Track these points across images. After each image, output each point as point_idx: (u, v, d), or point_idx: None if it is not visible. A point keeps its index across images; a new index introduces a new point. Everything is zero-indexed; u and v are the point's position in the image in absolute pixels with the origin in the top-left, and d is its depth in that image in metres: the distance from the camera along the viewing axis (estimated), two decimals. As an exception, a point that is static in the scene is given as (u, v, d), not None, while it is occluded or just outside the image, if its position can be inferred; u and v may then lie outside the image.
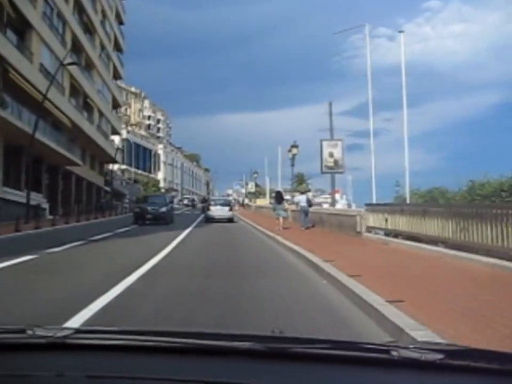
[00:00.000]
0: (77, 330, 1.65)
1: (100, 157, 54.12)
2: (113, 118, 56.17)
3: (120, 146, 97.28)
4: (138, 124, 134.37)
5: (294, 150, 32.57)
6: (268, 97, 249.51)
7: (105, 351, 1.49)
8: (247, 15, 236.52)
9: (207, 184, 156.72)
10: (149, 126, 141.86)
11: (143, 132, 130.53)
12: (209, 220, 33.34)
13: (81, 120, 40.87)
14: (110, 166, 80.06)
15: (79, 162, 40.83)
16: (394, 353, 1.36)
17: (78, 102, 41.28)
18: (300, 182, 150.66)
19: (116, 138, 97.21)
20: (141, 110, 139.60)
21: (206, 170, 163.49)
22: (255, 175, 65.58)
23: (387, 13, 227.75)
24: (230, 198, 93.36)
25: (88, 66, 44.51)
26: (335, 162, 23.84)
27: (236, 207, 63.28)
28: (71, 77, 38.31)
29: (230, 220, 33.73)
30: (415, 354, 1.34)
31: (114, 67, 55.76)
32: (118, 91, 58.70)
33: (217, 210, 34.23)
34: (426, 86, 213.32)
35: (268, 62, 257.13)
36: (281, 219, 24.14)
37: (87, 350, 1.50)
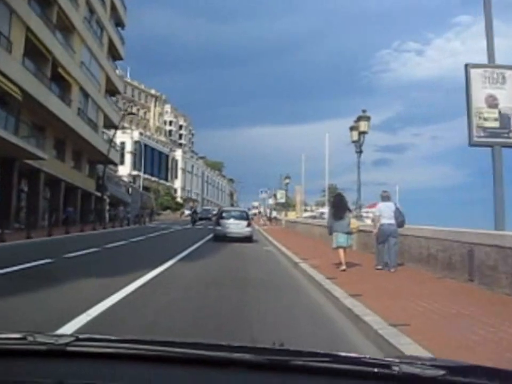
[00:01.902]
0: (78, 338, 1.58)
1: (88, 155, 42.42)
2: (106, 105, 44.37)
3: (131, 149, 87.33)
4: (157, 129, 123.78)
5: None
6: (296, 111, 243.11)
7: (106, 360, 1.49)
8: (276, 28, 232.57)
9: (231, 195, 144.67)
10: (170, 132, 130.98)
11: (163, 138, 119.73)
12: (219, 238, 24.31)
13: (45, 94, 29.09)
14: (118, 169, 68.80)
15: (41, 154, 28.99)
16: (395, 368, 1.35)
17: (42, 70, 29.54)
18: (331, 194, 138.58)
19: (127, 141, 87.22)
20: (161, 115, 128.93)
21: (230, 180, 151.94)
22: (287, 181, 51.98)
23: (416, 28, 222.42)
24: (253, 210, 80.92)
25: (64, 28, 32.86)
26: (502, 117, 11.07)
27: (261, 222, 50.80)
28: (28, 29, 26.65)
29: (248, 239, 24.40)
30: (416, 370, 1.34)
31: (111, 42, 44.18)
32: (115, 74, 47.00)
33: (230, 226, 24.83)
34: (455, 100, 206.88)
35: (296, 75, 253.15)
36: (341, 252, 12.25)
37: (87, 358, 1.50)
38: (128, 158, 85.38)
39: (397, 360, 1.43)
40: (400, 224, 12.15)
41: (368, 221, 59.07)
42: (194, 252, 17.67)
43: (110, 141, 42.55)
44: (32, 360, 1.50)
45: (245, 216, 26.27)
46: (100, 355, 1.49)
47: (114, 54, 46.38)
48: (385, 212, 12.25)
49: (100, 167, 53.09)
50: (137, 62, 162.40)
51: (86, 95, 38.25)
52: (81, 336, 1.64)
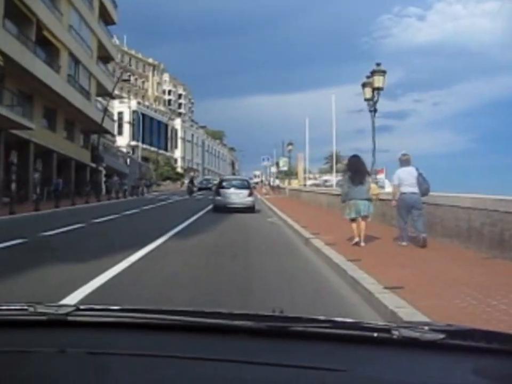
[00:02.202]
0: (78, 308, 1.58)
1: (82, 125, 40.58)
2: (99, 72, 42.24)
3: (129, 119, 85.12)
4: (156, 99, 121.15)
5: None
6: (296, 79, 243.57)
7: (107, 328, 1.49)
8: None
9: (232, 164, 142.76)
10: (169, 101, 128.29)
11: (162, 108, 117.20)
12: (219, 208, 23.13)
13: (30, 59, 27.09)
14: (116, 140, 66.93)
15: (28, 124, 27.18)
16: (395, 332, 1.35)
17: (25, 33, 27.46)
18: (336, 162, 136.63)
19: (125, 111, 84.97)
20: (159, 84, 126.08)
21: (231, 149, 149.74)
22: (290, 147, 49.31)
23: None
24: (255, 179, 78.84)
25: (49, -12, 30.66)
26: None
27: (263, 191, 49.11)
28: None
29: (250, 209, 23.10)
30: (416, 334, 1.34)
31: (102, 5, 41.79)
32: (108, 39, 44.70)
33: (230, 195, 23.53)
34: (456, 66, 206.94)
35: (296, 43, 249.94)
36: (361, 223, 10.73)
37: (88, 327, 1.49)
38: (126, 128, 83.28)
39: (396, 325, 1.44)
40: (425, 192, 10.43)
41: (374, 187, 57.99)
42: (191, 225, 16.06)
43: (104, 110, 40.56)
44: (33, 330, 1.50)
45: (246, 185, 24.74)
46: (100, 324, 1.50)
47: (106, 19, 44.00)
48: (405, 179, 10.52)
49: (96, 137, 51.65)
50: (133, 32, 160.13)
51: (76, 61, 36.17)
52: (81, 307, 1.63)
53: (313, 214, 19.82)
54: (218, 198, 23.76)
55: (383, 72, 16.23)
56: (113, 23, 45.99)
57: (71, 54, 34.76)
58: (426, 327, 1.41)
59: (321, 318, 1.50)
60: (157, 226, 15.07)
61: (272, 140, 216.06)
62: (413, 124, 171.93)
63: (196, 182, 64.77)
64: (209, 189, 52.27)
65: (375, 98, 16.53)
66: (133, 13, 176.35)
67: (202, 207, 25.53)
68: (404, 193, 10.46)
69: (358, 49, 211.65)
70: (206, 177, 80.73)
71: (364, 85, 16.98)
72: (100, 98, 45.18)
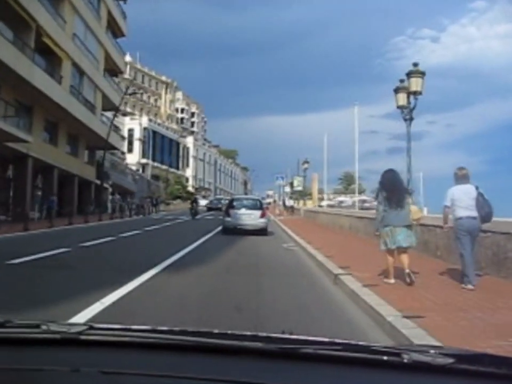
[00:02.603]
0: (91, 327, 1.60)
1: (86, 139, 38.54)
2: (106, 85, 40.31)
3: (140, 136, 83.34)
4: (169, 117, 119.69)
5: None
6: (309, 100, 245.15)
7: (120, 348, 1.51)
8: (289, 16, 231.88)
9: (245, 184, 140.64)
10: (182, 119, 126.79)
11: (174, 126, 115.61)
12: (229, 230, 21.33)
13: (27, 67, 25.09)
14: (126, 157, 65.02)
15: (24, 136, 25.09)
16: (405, 356, 1.35)
17: (23, 39, 25.48)
18: (348, 183, 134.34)
19: (136, 127, 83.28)
20: (172, 102, 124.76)
21: (244, 169, 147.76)
22: (305, 166, 46.14)
23: (431, 14, 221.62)
24: (267, 199, 76.20)
25: (52, -6, 28.81)
26: None
27: (277, 211, 46.65)
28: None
29: (263, 231, 21.27)
30: (426, 358, 1.35)
31: (110, 15, 40.04)
32: (116, 51, 42.82)
33: (241, 216, 21.74)
34: (470, 87, 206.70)
35: (310, 64, 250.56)
36: (403, 257, 8.48)
37: (101, 346, 1.51)
38: (136, 145, 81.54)
39: (406, 348, 1.44)
40: (486, 217, 8.04)
41: None
42: (192, 253, 13.60)
43: (110, 124, 38.50)
44: (46, 348, 1.50)
45: (258, 205, 22.85)
46: (113, 343, 1.51)
47: (114, 30, 42.25)
48: (461, 200, 8.08)
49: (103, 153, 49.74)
50: (147, 51, 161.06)
51: (80, 72, 34.24)
52: (95, 325, 1.63)
53: (335, 239, 17.34)
54: (228, 219, 21.88)
55: (422, 74, 13.84)
56: (122, 35, 44.18)
57: (75, 64, 32.82)
58: (436, 351, 1.40)
59: (332, 340, 1.49)
60: (152, 253, 12.75)
61: (285, 160, 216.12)
62: (426, 145, 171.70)
63: (204, 201, 62.15)
64: (220, 209, 48.74)
65: (411, 104, 14.11)
66: (147, 32, 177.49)
67: (210, 229, 23.11)
68: (460, 217, 8.03)
69: (372, 71, 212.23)
70: (218, 196, 77.72)
71: (396, 90, 14.63)
72: (109, 114, 43.37)
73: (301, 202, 53.38)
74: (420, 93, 13.97)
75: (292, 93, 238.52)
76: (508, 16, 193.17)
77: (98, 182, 40.57)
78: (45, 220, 25.95)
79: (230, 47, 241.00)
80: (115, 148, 44.94)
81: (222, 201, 55.30)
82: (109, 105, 41.48)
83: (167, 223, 28.67)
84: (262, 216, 21.89)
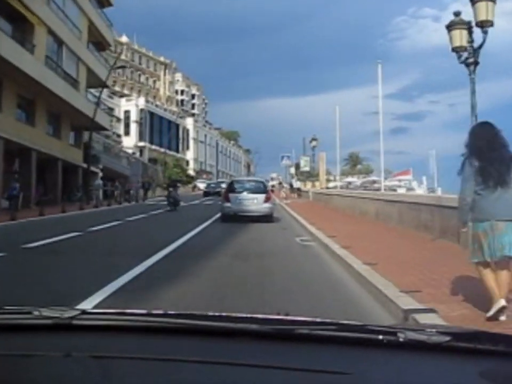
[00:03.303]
0: (83, 312, 1.60)
1: (71, 119, 34.73)
2: (91, 58, 36.29)
3: (136, 118, 79.39)
4: (168, 99, 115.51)
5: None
6: (311, 81, 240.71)
7: (113, 332, 1.49)
8: None
9: (248, 166, 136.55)
10: (182, 101, 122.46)
11: (174, 108, 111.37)
12: (229, 217, 18.86)
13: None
14: (122, 140, 61.29)
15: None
16: (401, 335, 1.35)
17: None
18: (354, 163, 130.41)
19: (132, 109, 79.30)
20: (171, 83, 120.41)
21: (247, 151, 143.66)
22: (313, 143, 41.07)
23: None
24: (272, 182, 71.86)
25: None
26: None
27: (282, 195, 42.82)
28: None
29: (267, 218, 18.63)
30: (421, 337, 1.34)
31: (93, -20, 35.99)
32: (103, 22, 38.67)
33: (242, 201, 19.27)
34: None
35: (311, 45, 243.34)
36: (502, 272, 4.68)
37: (94, 331, 1.50)
38: (133, 128, 77.64)
39: (403, 327, 1.44)
40: None
41: (401, 190, 50.13)
42: (176, 252, 9.97)
43: (97, 101, 34.61)
44: (39, 334, 1.50)
45: (262, 188, 20.21)
46: (106, 328, 1.50)
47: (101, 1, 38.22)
48: None
49: (95, 135, 45.98)
50: (148, 34, 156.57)
51: (59, 41, 30.31)
52: (87, 310, 1.63)
53: (362, 231, 13.36)
54: (227, 204, 19.24)
55: None
56: (109, 4, 40.02)
57: (51, 33, 28.88)
58: (432, 330, 1.39)
59: (327, 320, 1.50)
60: (120, 256, 9.08)
61: (289, 142, 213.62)
62: (429, 125, 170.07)
63: (203, 185, 57.64)
64: (219, 193, 44.29)
65: (473, 44, 10.27)
66: (145, 15, 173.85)
67: (205, 217, 19.61)
68: None
69: (373, 51, 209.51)
70: (212, 181, 69.12)
71: (449, 27, 10.74)
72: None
73: (308, 184, 49.49)
74: (491, 24, 10.13)
75: (294, 74, 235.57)
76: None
77: (85, 165, 36.93)
78: (24, 209, 22.43)
79: (231, 29, 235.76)
80: (104, 128, 41.01)
81: (222, 185, 48.18)
82: (96, 82, 37.49)
83: (158, 211, 24.99)
84: (267, 200, 19.31)
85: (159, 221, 20.45)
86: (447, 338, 1.32)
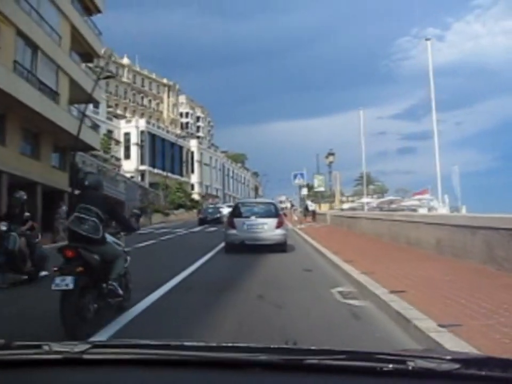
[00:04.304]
0: (94, 345, 1.59)
1: (53, 138, 30.36)
2: (74, 68, 31.93)
3: (137, 141, 75.19)
4: (172, 121, 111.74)
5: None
6: (318, 104, 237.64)
7: (122, 366, 1.49)
8: (294, 23, 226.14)
9: (256, 189, 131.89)
10: (186, 124, 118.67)
11: (178, 131, 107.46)
12: (234, 246, 15.65)
13: None
14: (121, 164, 57.10)
15: None
16: (410, 363, 1.33)
17: None
18: (367, 183, 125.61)
19: (133, 131, 75.11)
20: (175, 105, 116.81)
21: (254, 174, 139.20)
22: (330, 159, 34.35)
23: (435, 13, 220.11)
24: (282, 204, 66.80)
25: None
26: None
27: (295, 218, 38.06)
28: None
29: (280, 247, 15.49)
30: (431, 365, 1.33)
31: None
32: (90, 29, 34.48)
33: (251, 227, 15.87)
34: (478, 84, 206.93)
35: (317, 68, 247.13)
36: None
37: (103, 365, 1.50)
38: (134, 151, 73.46)
39: (412, 355, 1.42)
40: None
41: (423, 210, 45.15)
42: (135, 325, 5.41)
43: (82, 116, 30.16)
44: (49, 369, 1.49)
45: (272, 212, 16.72)
46: (116, 361, 1.50)
47: (86, 3, 34.07)
48: None
49: (87, 158, 41.67)
50: (151, 61, 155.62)
51: (32, 46, 26.00)
52: (97, 343, 1.62)
53: (453, 280, 8.20)
54: (233, 231, 15.97)
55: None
56: (97, 11, 35.86)
57: (22, 34, 24.53)
58: (441, 357, 1.38)
59: (336, 349, 1.48)
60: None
61: (296, 165, 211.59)
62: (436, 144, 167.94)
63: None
64: (219, 221, 38.03)
65: None
66: (151, 43, 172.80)
67: (204, 248, 15.33)
68: None
69: (378, 72, 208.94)
70: (210, 205, 58.99)
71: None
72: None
73: (324, 205, 44.66)
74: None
75: (299, 98, 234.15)
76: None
77: (69, 190, 32.42)
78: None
79: (236, 55, 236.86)
80: (92, 148, 36.44)
81: (223, 210, 42.07)
82: (83, 97, 33.05)
83: (152, 241, 20.41)
84: (279, 225, 16.00)
85: (139, 258, 15.86)
86: (457, 365, 1.30)
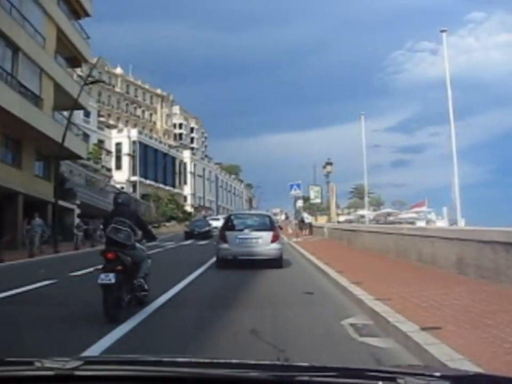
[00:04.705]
0: (85, 361, 1.57)
1: (36, 146, 28.83)
2: (60, 73, 30.37)
3: (129, 151, 73.48)
4: (166, 132, 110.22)
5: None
6: (312, 117, 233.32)
7: (113, 382, 1.47)
8: (288, 36, 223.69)
9: (250, 201, 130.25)
10: (180, 135, 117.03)
11: (172, 142, 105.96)
12: (226, 261, 14.51)
13: None
14: (112, 175, 55.63)
15: None
16: (400, 381, 1.31)
17: None
18: (361, 196, 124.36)
19: (124, 141, 73.47)
20: (169, 116, 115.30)
21: (248, 185, 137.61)
22: (328, 169, 32.17)
23: (428, 27, 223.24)
24: (276, 216, 64.92)
25: None
26: None
27: (289, 231, 36.61)
28: None
29: (276, 263, 14.26)
30: (421, 382, 1.30)
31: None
32: (77, 33, 33.00)
33: (244, 241, 14.59)
34: (472, 98, 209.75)
35: (311, 81, 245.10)
36: None
37: (95, 382, 1.50)
38: (126, 161, 71.79)
39: (403, 371, 1.40)
40: None
41: (421, 223, 43.76)
42: None
43: (67, 123, 28.57)
44: None
45: (267, 225, 15.47)
46: (107, 378, 1.49)
47: (73, 5, 32.63)
48: None
49: (75, 168, 40.23)
50: (146, 74, 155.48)
51: (12, 46, 24.49)
52: (89, 359, 1.60)
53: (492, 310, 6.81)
54: (224, 246, 14.70)
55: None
56: (86, 14, 34.49)
57: (1, 35, 23.04)
58: (432, 373, 1.36)
59: (327, 366, 1.47)
60: None
61: (290, 178, 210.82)
62: (429, 157, 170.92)
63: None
64: (207, 235, 35.06)
65: None
66: (145, 52, 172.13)
67: (194, 263, 14.07)
68: None
69: (372, 85, 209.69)
70: (198, 218, 55.85)
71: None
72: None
73: (321, 218, 43.11)
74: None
75: (293, 110, 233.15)
76: (506, 25, 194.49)
77: (62, 202, 30.84)
78: None
79: (229, 68, 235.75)
80: (78, 157, 34.75)
81: (213, 223, 39.62)
82: (70, 103, 31.45)
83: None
84: (275, 239, 14.70)
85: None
86: (447, 383, 1.28)
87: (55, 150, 28.66)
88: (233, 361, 1.55)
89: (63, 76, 30.73)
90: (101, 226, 12.08)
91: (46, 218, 29.76)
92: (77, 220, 35.14)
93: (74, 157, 33.66)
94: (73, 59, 33.51)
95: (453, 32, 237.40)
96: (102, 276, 6.81)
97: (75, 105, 29.82)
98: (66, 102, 30.34)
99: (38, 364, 1.51)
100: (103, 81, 60.36)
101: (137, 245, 7.74)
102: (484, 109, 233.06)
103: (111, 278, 6.74)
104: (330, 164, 31.58)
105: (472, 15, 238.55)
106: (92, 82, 34.44)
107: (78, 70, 41.67)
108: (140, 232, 7.90)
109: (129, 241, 7.34)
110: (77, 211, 35.69)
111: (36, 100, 27.13)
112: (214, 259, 15.51)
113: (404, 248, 13.46)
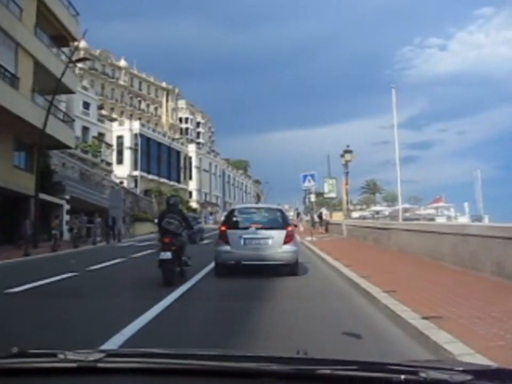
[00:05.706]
0: (108, 354, 1.58)
1: (12, 132, 25.34)
2: (41, 49, 26.72)
3: (131, 144, 70.05)
4: (171, 127, 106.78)
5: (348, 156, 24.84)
6: (321, 113, 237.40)
7: (135, 375, 1.49)
8: (296, 33, 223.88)
9: (258, 197, 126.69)
10: (186, 130, 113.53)
11: (177, 137, 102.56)
12: (227, 267, 11.60)
13: None
14: (113, 169, 52.32)
15: None
16: (423, 374, 1.32)
17: None
18: (373, 191, 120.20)
19: (126, 134, 70.04)
20: (174, 110, 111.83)
21: (257, 181, 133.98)
22: (347, 157, 28.09)
23: (437, 23, 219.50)
24: (288, 213, 60.99)
25: None
26: None
27: (301, 229, 32.92)
28: None
29: (289, 269, 11.27)
30: (443, 376, 1.32)
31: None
32: (64, 8, 29.45)
33: (250, 242, 11.37)
34: (480, 94, 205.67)
35: (320, 78, 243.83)
36: None
37: (117, 374, 1.50)
38: (127, 155, 68.32)
39: (424, 366, 1.40)
40: None
41: (441, 220, 39.52)
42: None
43: (49, 106, 25.02)
44: (63, 378, 1.49)
45: (279, 221, 12.23)
46: (129, 370, 1.49)
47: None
48: None
49: (68, 160, 36.81)
50: (154, 70, 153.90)
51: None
52: (111, 352, 1.61)
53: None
54: (225, 248, 11.65)
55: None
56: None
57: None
58: (453, 368, 1.37)
59: (348, 359, 1.47)
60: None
61: (298, 174, 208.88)
62: (438, 153, 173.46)
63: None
64: (193, 238, 25.93)
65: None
66: (153, 48, 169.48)
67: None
68: None
69: (381, 82, 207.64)
70: (192, 214, 44.37)
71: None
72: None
73: (337, 214, 39.35)
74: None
75: (302, 107, 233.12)
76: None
77: (46, 197, 27.43)
78: None
79: (239, 64, 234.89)
80: (65, 146, 31.04)
81: (200, 221, 35.42)
82: (54, 84, 27.75)
83: (122, 259, 15.51)
84: (288, 240, 11.68)
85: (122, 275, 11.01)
86: (469, 377, 1.29)
87: (44, 140, 25.25)
88: (254, 354, 1.54)
89: (46, 54, 27.12)
90: (156, 221, 13.23)
91: (27, 214, 26.34)
92: (66, 217, 31.72)
93: (60, 146, 30.09)
94: (60, 37, 29.86)
95: (462, 28, 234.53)
96: (162, 253, 9.93)
97: (59, 86, 26.31)
98: (51, 85, 26.80)
99: (60, 356, 1.50)
100: (90, 59, 56.70)
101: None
102: (492, 105, 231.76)
103: (168, 255, 9.86)
104: (349, 151, 27.71)
105: (482, 11, 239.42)
106: (78, 60, 30.90)
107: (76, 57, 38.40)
108: (184, 225, 10.81)
109: (178, 230, 10.51)
110: (66, 206, 32.16)
111: (11, 79, 23.61)
112: (212, 265, 12.43)
113: (468, 254, 9.74)
